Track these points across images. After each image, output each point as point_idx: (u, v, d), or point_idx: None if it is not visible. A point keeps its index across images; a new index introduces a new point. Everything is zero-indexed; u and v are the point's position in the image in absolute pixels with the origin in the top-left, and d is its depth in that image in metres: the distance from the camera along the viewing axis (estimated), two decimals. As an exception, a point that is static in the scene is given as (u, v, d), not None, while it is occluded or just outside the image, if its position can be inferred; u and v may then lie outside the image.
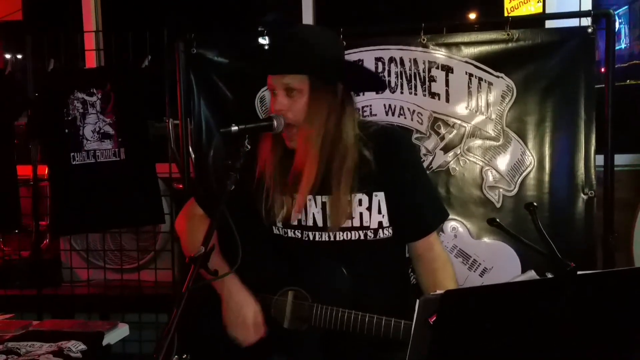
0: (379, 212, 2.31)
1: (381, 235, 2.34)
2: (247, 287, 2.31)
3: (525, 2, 3.90)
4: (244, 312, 2.25)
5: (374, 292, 2.29)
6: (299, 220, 2.33)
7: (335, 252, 2.31)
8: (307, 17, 4.02)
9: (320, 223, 2.32)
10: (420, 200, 2.40)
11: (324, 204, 2.31)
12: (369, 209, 2.30)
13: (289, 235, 2.36)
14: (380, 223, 2.32)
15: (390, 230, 2.35)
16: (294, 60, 2.22)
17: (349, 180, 2.24)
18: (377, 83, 2.43)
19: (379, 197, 2.31)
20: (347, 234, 2.31)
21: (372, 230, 2.32)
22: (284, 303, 2.30)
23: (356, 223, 2.30)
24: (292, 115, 2.21)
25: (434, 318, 1.38)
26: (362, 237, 2.32)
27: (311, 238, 2.33)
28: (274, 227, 2.37)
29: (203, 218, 2.43)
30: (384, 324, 2.14)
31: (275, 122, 2.18)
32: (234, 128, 2.04)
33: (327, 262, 2.29)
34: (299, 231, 2.34)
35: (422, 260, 2.41)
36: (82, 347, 2.51)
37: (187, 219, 2.49)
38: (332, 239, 2.31)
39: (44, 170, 4.04)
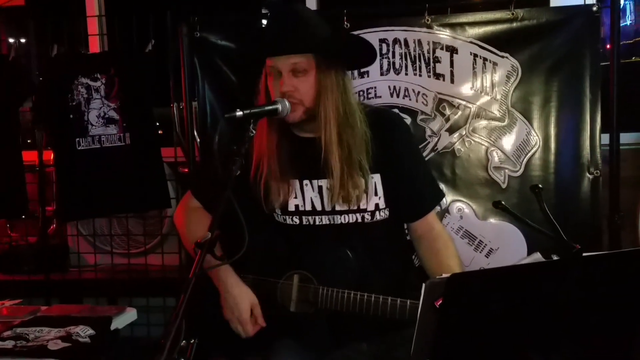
0: (376, 194, 2.32)
1: (378, 217, 2.34)
2: (253, 273, 2.33)
3: (530, -20, 3.87)
4: (241, 307, 2.25)
5: (375, 274, 2.30)
6: (296, 206, 2.34)
7: (335, 235, 2.32)
8: (311, -1, 4.00)
9: (318, 207, 2.33)
10: (417, 181, 2.41)
11: (320, 188, 2.32)
12: (366, 191, 2.30)
13: (288, 222, 2.36)
14: (376, 205, 2.32)
15: (387, 212, 2.36)
16: (301, 39, 2.21)
17: (356, 164, 2.25)
18: (373, 53, 2.42)
19: (375, 179, 2.32)
20: (344, 217, 2.32)
21: (369, 213, 2.33)
22: (290, 287, 2.30)
23: (353, 206, 2.30)
24: (299, 96, 2.21)
25: (440, 302, 1.38)
26: (359, 220, 2.33)
27: (311, 222, 2.34)
28: (274, 215, 2.38)
29: (200, 210, 2.43)
30: (389, 304, 2.15)
31: (280, 106, 2.17)
32: (239, 113, 2.03)
33: (328, 246, 2.30)
34: (298, 217, 2.35)
35: (424, 241, 2.42)
36: (91, 331, 2.53)
37: (185, 212, 2.49)
38: (331, 222, 2.33)
39: (49, 155, 4.04)
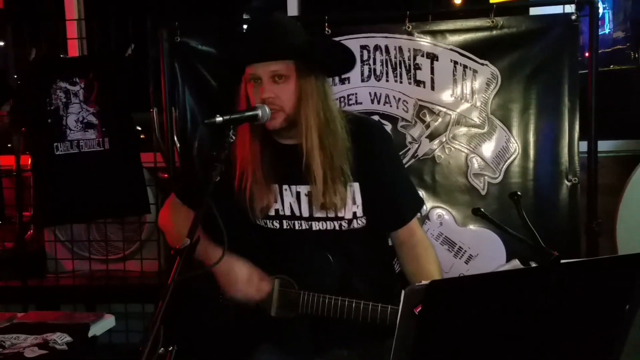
0: (354, 202, 2.32)
1: (355, 226, 2.34)
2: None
3: (510, -13, 3.91)
4: (236, 269, 2.27)
5: (356, 280, 2.31)
6: (277, 210, 2.34)
7: (314, 241, 2.33)
8: (292, 5, 4.00)
9: (297, 212, 2.33)
10: (397, 189, 2.42)
11: (298, 194, 2.32)
12: (344, 199, 2.29)
13: (269, 226, 2.37)
14: (354, 213, 2.33)
15: (364, 220, 2.35)
16: (280, 46, 2.21)
17: (338, 170, 2.25)
18: (352, 59, 2.42)
19: (354, 187, 2.31)
20: (322, 223, 2.33)
21: (346, 221, 2.33)
22: (271, 291, 2.30)
23: (331, 214, 2.31)
24: (280, 102, 2.20)
25: (420, 308, 1.38)
26: (336, 227, 2.33)
27: (291, 227, 2.34)
28: (256, 220, 2.37)
29: (185, 211, 2.42)
30: (370, 309, 2.16)
31: (260, 112, 2.16)
32: (219, 119, 2.02)
33: (309, 250, 2.31)
34: (278, 221, 2.35)
35: (404, 247, 2.43)
36: (68, 338, 2.51)
37: (170, 213, 2.49)
38: (309, 228, 2.33)
39: (27, 160, 4.00)
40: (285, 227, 2.35)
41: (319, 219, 2.32)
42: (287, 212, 2.33)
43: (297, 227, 2.34)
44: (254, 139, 2.29)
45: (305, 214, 2.32)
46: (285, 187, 2.33)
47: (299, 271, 2.29)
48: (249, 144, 2.29)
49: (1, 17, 4.26)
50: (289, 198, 2.33)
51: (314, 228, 2.33)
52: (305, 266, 2.29)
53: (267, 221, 2.36)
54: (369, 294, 2.23)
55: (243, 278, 2.27)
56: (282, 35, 2.23)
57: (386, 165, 2.39)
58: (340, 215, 2.31)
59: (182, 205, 2.45)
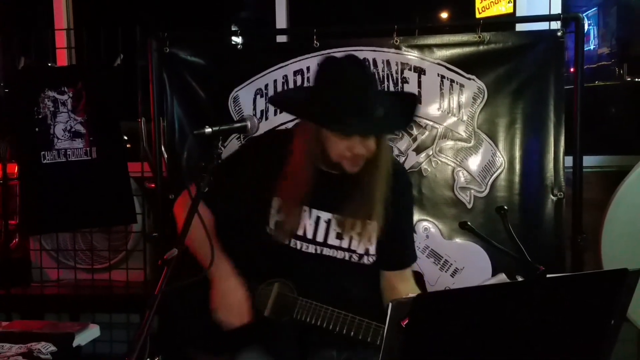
0: (369, 240, 2.34)
1: (365, 261, 2.37)
2: (239, 273, 2.34)
3: (496, 2, 3.93)
4: (231, 297, 2.28)
5: (353, 305, 2.30)
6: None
7: (318, 263, 2.34)
8: (281, 17, 4.01)
9: (309, 235, 2.35)
10: (408, 231, 2.48)
11: (317, 219, 2.34)
12: (364, 234, 2.32)
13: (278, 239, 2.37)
14: (367, 250, 2.35)
15: (374, 258, 2.38)
16: (381, 125, 2.23)
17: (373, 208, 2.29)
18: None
19: (373, 225, 2.32)
20: (334, 251, 2.35)
21: (357, 255, 2.36)
22: (269, 292, 2.32)
23: (344, 244, 2.34)
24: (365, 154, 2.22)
25: (406, 321, 1.39)
26: (346, 258, 2.36)
27: (298, 247, 2.35)
28: (266, 227, 2.37)
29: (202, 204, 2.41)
30: (364, 325, 2.17)
31: (249, 124, 2.17)
32: (208, 130, 2.03)
33: (312, 270, 2.33)
34: (287, 238, 2.35)
35: (395, 293, 2.39)
36: (52, 348, 2.50)
37: (186, 202, 2.44)
38: (317, 252, 2.35)
39: (13, 168, 3.99)
40: (292, 245, 2.35)
41: (331, 247, 2.35)
42: (300, 233, 2.34)
43: (304, 249, 2.35)
44: (308, 164, 2.27)
45: (320, 239, 2.34)
46: (305, 207, 2.33)
47: (300, 279, 2.31)
48: (303, 166, 2.27)
49: (-10, 25, 4.26)
50: (306, 220, 2.34)
51: (324, 253, 2.35)
52: (303, 282, 2.31)
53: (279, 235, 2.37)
54: (368, 315, 2.24)
55: (234, 308, 2.28)
56: (378, 111, 2.19)
57: (404, 210, 2.42)
58: (353, 248, 2.34)
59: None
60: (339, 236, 2.33)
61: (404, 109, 2.30)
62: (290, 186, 2.28)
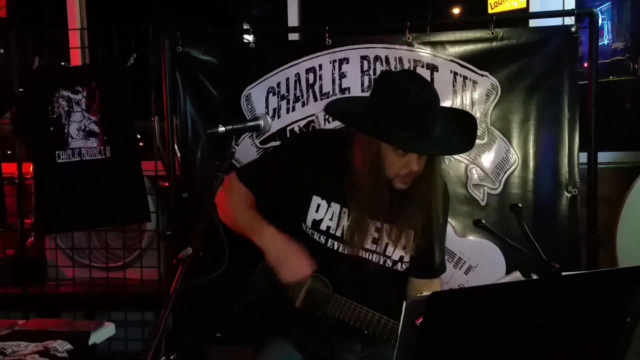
0: (404, 247, 2.37)
1: (398, 268, 2.40)
2: None
3: (509, -3, 3.92)
4: (290, 249, 2.31)
5: (380, 306, 2.31)
6: (328, 227, 2.36)
7: (352, 264, 2.35)
8: (293, 15, 4.02)
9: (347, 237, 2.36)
10: (442, 244, 2.50)
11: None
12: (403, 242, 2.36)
13: (315, 237, 2.39)
14: (401, 257, 2.39)
15: (408, 266, 2.41)
16: (443, 147, 2.26)
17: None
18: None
19: (409, 234, 2.36)
20: (368, 254, 2.37)
21: (391, 260, 2.38)
22: (302, 284, 2.34)
23: (379, 249, 2.36)
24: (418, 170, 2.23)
25: (421, 319, 1.39)
26: (380, 262, 2.38)
27: (334, 248, 2.37)
28: (302, 224, 2.39)
29: (243, 194, 2.43)
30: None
31: (262, 122, 2.18)
32: (221, 129, 2.04)
33: (344, 269, 2.35)
34: (325, 237, 2.37)
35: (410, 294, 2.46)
36: (68, 346, 2.51)
37: (228, 194, 2.43)
38: (352, 253, 2.36)
39: (28, 168, 4.01)
40: (329, 245, 2.37)
41: (366, 250, 2.36)
42: (338, 233, 2.36)
43: (340, 250, 2.37)
44: (375, 178, 2.26)
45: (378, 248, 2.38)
46: (344, 210, 2.35)
47: (334, 276, 2.34)
48: (371, 180, 2.26)
49: (4, 25, 4.28)
50: (344, 222, 2.35)
51: (360, 255, 2.36)
52: (336, 281, 2.34)
53: (315, 233, 2.38)
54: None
55: (297, 254, 2.31)
56: (448, 131, 2.23)
57: (444, 224, 2.46)
58: (388, 253, 2.37)
59: (240, 190, 2.44)
60: (375, 241, 2.36)
61: (464, 130, 2.27)
62: (357, 198, 2.28)
